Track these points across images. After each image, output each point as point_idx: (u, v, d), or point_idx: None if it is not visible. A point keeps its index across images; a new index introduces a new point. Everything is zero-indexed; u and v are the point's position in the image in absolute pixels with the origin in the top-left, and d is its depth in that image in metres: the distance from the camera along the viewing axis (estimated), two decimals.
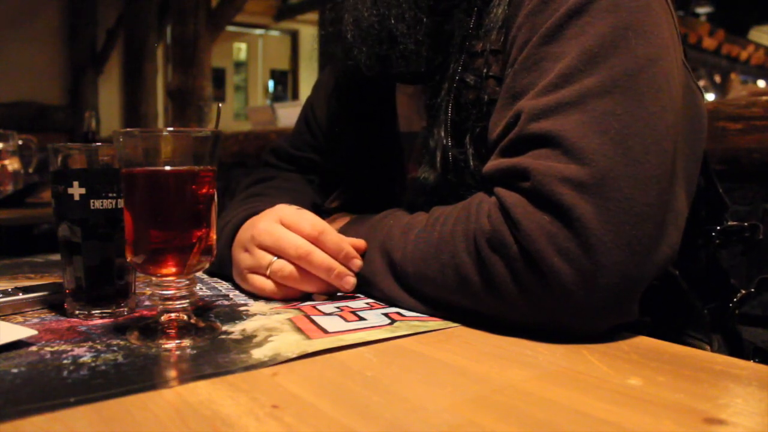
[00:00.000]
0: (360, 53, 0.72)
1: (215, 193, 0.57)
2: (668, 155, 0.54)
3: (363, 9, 0.71)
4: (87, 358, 0.48)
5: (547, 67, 0.57)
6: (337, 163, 0.93)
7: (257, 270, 0.67)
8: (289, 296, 0.67)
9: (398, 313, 0.61)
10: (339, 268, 0.65)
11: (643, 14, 0.57)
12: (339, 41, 0.76)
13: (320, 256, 0.65)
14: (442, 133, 0.70)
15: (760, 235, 0.79)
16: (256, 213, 0.73)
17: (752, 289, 0.78)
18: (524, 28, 0.61)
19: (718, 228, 0.78)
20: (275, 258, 0.66)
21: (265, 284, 0.67)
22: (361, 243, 0.68)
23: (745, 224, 0.79)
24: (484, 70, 0.67)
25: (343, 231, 0.76)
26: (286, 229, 0.66)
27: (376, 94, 0.84)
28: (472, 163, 0.67)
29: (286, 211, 0.69)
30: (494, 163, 0.58)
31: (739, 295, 0.78)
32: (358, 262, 0.66)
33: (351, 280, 0.66)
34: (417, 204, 0.72)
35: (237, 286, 0.73)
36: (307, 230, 0.66)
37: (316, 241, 0.65)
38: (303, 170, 0.98)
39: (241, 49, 8.84)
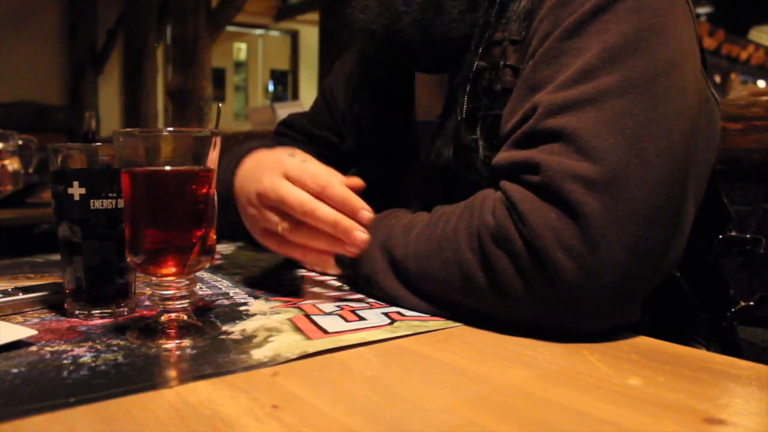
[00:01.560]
0: (405, 17, 0.71)
1: (215, 193, 0.57)
2: (681, 160, 0.54)
3: None
4: (87, 358, 0.48)
5: (568, 62, 0.57)
6: (353, 146, 0.93)
7: (270, 229, 0.66)
8: (308, 257, 0.66)
9: (398, 313, 0.61)
10: (345, 221, 0.61)
11: (666, 18, 0.57)
12: (380, 13, 0.74)
13: (324, 211, 0.61)
14: (459, 117, 0.70)
15: (761, 248, 0.78)
16: (264, 147, 0.71)
17: (751, 303, 0.78)
18: (547, 21, 0.61)
19: (720, 237, 0.78)
20: (284, 219, 0.64)
21: (281, 246, 0.66)
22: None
23: (748, 236, 0.78)
24: (501, 62, 0.67)
25: None
26: (290, 185, 0.63)
27: (396, 81, 0.84)
28: (482, 153, 0.67)
29: (289, 163, 0.65)
30: (505, 155, 0.58)
31: (738, 306, 0.78)
32: (366, 214, 0.62)
33: (360, 235, 0.61)
34: (426, 191, 0.72)
35: (240, 283, 0.73)
36: (310, 185, 0.63)
37: (320, 196, 0.62)
38: (318, 146, 0.98)
39: (241, 49, 8.85)
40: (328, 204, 0.62)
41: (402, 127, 0.85)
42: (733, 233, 0.79)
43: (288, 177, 0.64)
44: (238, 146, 0.79)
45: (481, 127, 0.68)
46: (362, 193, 0.65)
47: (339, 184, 0.63)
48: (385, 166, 0.87)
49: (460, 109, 0.70)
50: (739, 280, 0.82)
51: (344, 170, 0.96)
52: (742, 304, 0.78)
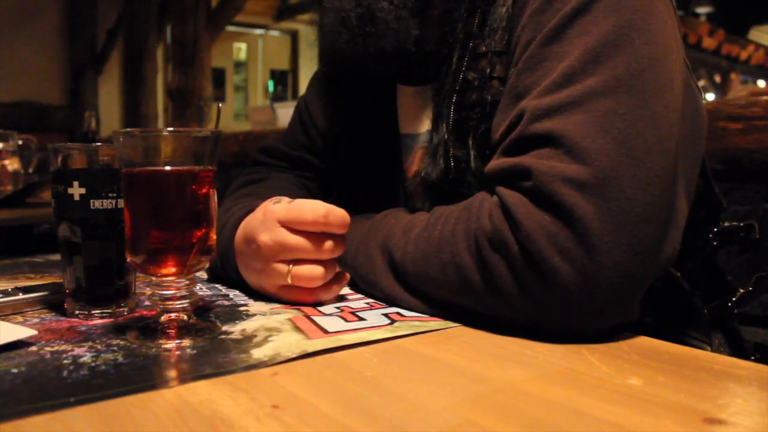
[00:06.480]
0: (341, 37, 0.71)
1: (215, 193, 0.57)
2: (671, 155, 0.54)
3: (345, 3, 0.71)
4: (87, 358, 0.48)
5: (550, 67, 0.57)
6: (335, 164, 0.92)
7: (280, 282, 0.65)
8: (321, 296, 0.65)
9: (398, 313, 0.61)
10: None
11: (646, 13, 0.57)
12: (327, 37, 0.75)
13: (330, 241, 0.63)
14: (444, 131, 0.70)
15: (755, 235, 0.79)
16: (251, 211, 0.70)
17: (750, 288, 0.79)
18: (528, 28, 0.61)
19: (715, 229, 0.78)
20: (291, 266, 0.63)
21: (300, 295, 0.65)
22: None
23: (741, 224, 0.79)
24: (488, 70, 0.67)
25: None
26: (286, 233, 0.63)
27: (375, 94, 0.83)
28: (473, 164, 0.67)
29: (278, 210, 0.64)
30: (496, 162, 0.58)
31: (737, 293, 0.78)
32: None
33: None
34: (416, 204, 0.72)
35: (238, 287, 0.73)
36: (310, 219, 0.62)
37: (324, 227, 0.62)
38: (298, 168, 0.96)
39: (241, 49, 8.85)
40: (331, 230, 0.63)
41: (385, 142, 0.83)
42: (726, 223, 0.79)
43: (281, 222, 0.63)
44: (225, 214, 0.76)
45: (473, 138, 0.68)
46: (351, 208, 0.65)
47: (333, 207, 0.63)
48: (369, 182, 0.85)
49: (446, 122, 0.69)
50: (740, 271, 0.82)
51: (327, 190, 0.95)
52: (741, 291, 0.78)
